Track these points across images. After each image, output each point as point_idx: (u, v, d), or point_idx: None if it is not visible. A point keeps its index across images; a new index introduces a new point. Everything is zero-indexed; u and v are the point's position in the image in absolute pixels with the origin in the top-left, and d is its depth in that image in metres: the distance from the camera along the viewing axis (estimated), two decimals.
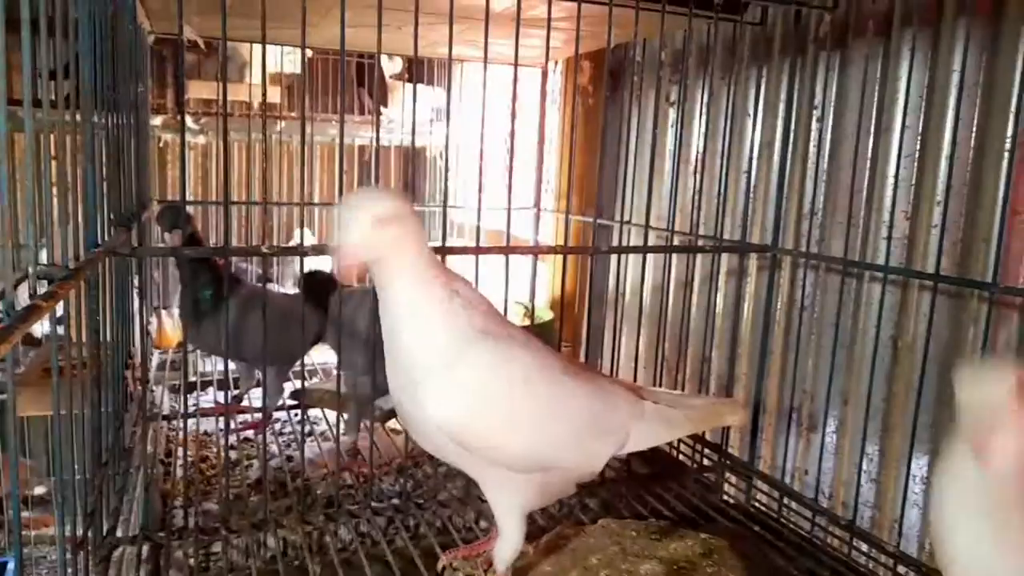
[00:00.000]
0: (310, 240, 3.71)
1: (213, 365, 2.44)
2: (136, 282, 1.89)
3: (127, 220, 1.50)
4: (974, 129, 1.41)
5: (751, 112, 1.88)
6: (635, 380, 1.65)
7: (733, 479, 1.72)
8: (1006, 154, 1.33)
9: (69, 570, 1.04)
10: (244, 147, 3.72)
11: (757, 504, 1.62)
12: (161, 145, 3.34)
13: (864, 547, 1.42)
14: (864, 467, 1.54)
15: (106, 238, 1.23)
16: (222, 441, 1.74)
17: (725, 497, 1.68)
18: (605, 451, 1.09)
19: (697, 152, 1.92)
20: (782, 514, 1.56)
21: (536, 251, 1.62)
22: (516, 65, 1.49)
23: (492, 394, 0.97)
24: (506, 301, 1.54)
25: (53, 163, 0.95)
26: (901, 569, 1.33)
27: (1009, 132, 1.32)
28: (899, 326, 1.55)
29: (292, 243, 3.22)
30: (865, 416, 1.46)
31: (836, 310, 1.62)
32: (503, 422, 0.98)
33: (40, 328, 2.45)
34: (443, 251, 1.54)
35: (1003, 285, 1.24)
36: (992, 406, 0.78)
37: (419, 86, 2.45)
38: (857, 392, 1.62)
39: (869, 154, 1.58)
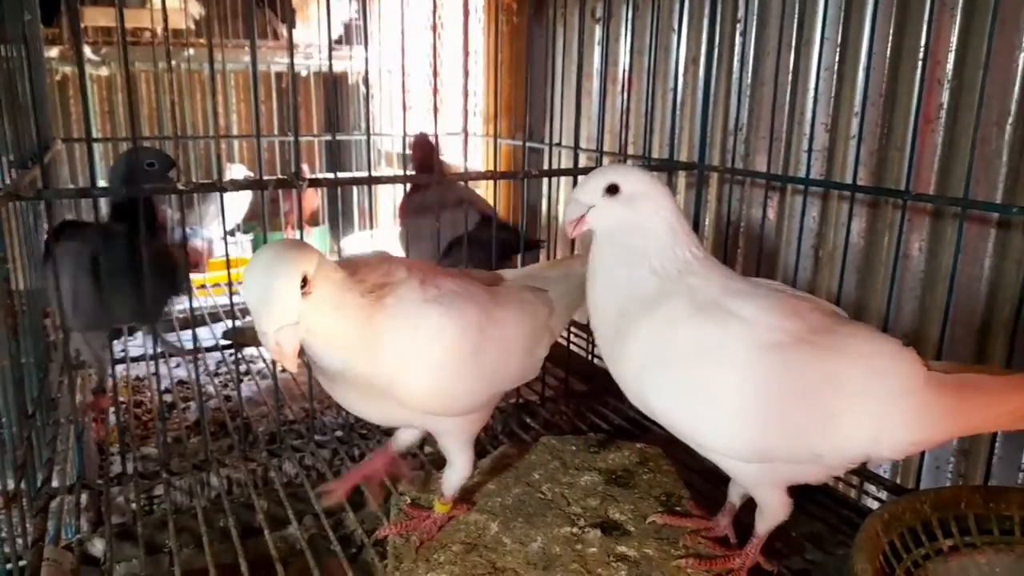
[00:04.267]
0: (242, 173, 3.56)
1: None
2: (46, 226, 1.79)
3: (29, 161, 1.41)
4: (890, 40, 1.44)
5: (676, 27, 1.87)
6: None
7: None
8: (919, 64, 1.36)
9: (5, 525, 1.02)
10: (151, 78, 3.50)
11: None
12: (59, 79, 3.11)
13: None
14: None
15: (7, 181, 1.15)
16: (155, 386, 1.70)
17: None
18: (543, 354, 1.16)
19: (624, 71, 1.91)
20: None
21: (466, 178, 1.60)
22: None
23: (459, 363, 0.99)
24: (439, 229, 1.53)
25: None
26: None
27: (922, 42, 1.35)
28: (820, 236, 1.61)
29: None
30: None
31: (761, 223, 1.66)
32: (472, 381, 1.01)
33: None
34: (369, 181, 1.50)
35: (915, 192, 1.30)
36: (582, 197, 0.97)
37: None
38: None
39: (790, 68, 1.60)
